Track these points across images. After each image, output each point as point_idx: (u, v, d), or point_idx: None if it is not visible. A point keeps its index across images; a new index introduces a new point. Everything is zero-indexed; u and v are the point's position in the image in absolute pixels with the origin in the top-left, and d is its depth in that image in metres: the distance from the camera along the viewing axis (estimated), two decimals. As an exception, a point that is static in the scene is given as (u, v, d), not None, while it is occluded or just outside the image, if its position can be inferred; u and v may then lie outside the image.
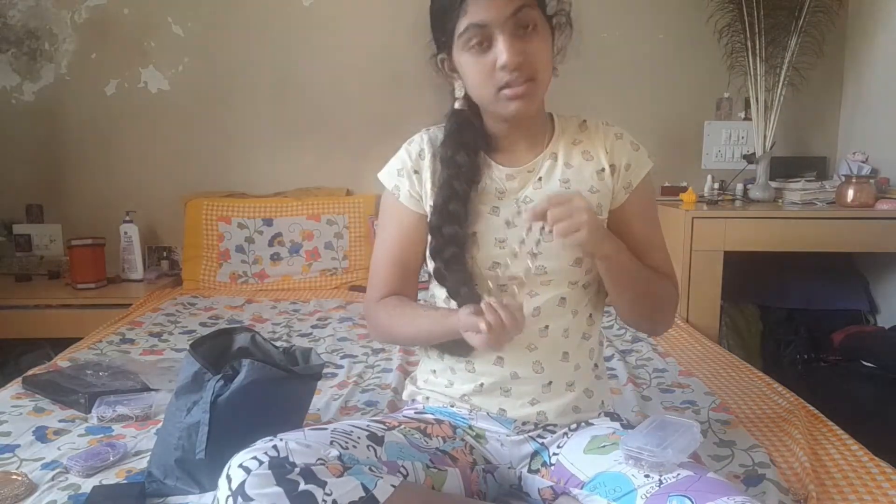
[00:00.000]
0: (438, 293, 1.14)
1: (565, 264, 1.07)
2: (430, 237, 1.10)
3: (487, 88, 1.01)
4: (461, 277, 1.06)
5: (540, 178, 1.10)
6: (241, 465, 0.82)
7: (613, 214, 1.12)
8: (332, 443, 0.89)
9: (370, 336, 1.23)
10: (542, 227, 0.97)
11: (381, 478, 0.85)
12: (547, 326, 1.08)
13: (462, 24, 0.99)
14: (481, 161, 1.11)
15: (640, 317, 1.13)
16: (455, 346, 1.08)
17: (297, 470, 0.81)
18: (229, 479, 0.81)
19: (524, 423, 1.11)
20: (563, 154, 1.12)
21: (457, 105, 1.10)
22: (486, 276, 1.08)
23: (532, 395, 1.09)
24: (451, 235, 1.06)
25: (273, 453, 0.83)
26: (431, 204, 1.10)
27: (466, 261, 1.07)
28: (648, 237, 1.14)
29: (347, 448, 0.90)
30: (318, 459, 0.84)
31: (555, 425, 1.11)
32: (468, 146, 1.10)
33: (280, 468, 0.81)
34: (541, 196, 1.06)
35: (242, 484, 0.79)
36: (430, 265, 1.10)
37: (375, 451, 0.94)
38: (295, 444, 0.86)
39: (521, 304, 0.98)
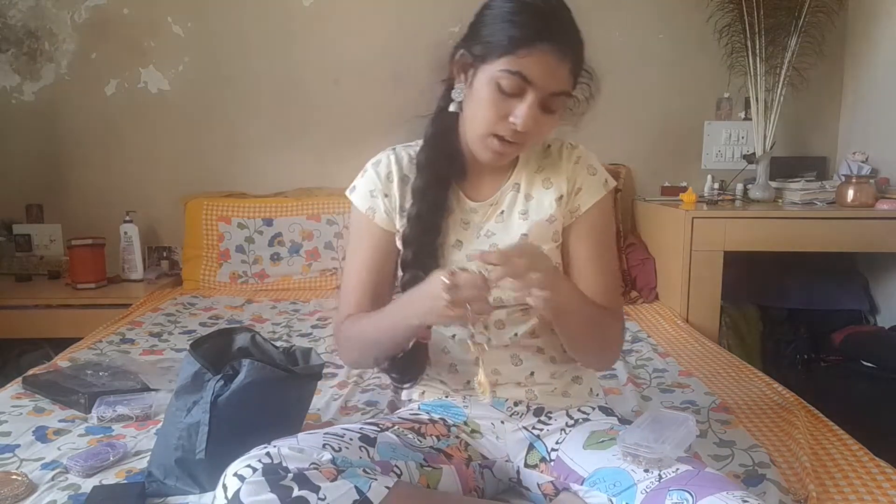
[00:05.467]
0: None
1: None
2: (400, 271, 1.10)
3: (483, 126, 1.01)
4: None
5: (502, 212, 1.11)
6: (235, 474, 0.82)
7: (562, 236, 1.12)
8: (324, 446, 0.90)
9: (341, 359, 1.22)
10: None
11: (376, 479, 0.85)
12: (516, 334, 1.11)
13: (513, 65, 0.96)
14: (451, 191, 1.11)
15: (583, 353, 1.11)
16: (406, 365, 1.11)
17: (291, 476, 0.82)
18: (225, 487, 0.82)
19: (516, 404, 1.12)
20: (525, 184, 1.12)
21: (452, 107, 1.07)
22: None
23: (518, 379, 1.12)
24: (425, 269, 1.05)
25: (267, 460, 0.84)
26: (401, 230, 1.11)
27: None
28: (592, 269, 1.11)
29: (340, 450, 0.90)
30: (312, 464, 0.85)
31: (549, 414, 1.12)
32: (442, 178, 1.09)
33: (274, 474, 0.82)
34: (502, 230, 1.10)
35: (238, 492, 0.80)
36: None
37: (368, 451, 0.94)
38: (288, 449, 0.86)
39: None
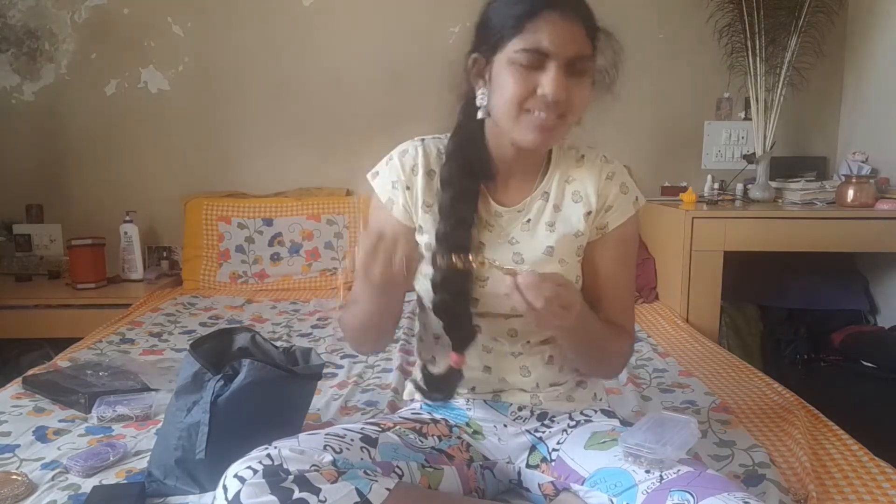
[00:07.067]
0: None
1: None
2: (430, 268, 1.06)
3: (515, 105, 0.97)
4: (467, 312, 1.05)
5: (529, 220, 1.09)
6: (236, 475, 0.82)
7: (585, 249, 1.11)
8: (325, 447, 0.89)
9: (348, 344, 1.21)
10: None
11: (377, 481, 0.85)
12: (528, 342, 1.10)
13: (524, 43, 0.95)
14: (479, 188, 1.09)
15: (586, 365, 1.13)
16: (435, 384, 1.09)
17: (291, 477, 0.82)
18: (225, 489, 0.82)
19: (520, 409, 1.12)
20: (554, 194, 1.09)
21: (480, 114, 1.04)
22: None
23: (524, 386, 1.11)
24: (459, 266, 1.03)
25: (267, 462, 0.84)
26: (424, 229, 1.08)
27: (472, 293, 1.05)
28: (611, 284, 1.10)
29: (341, 451, 0.90)
30: (313, 465, 0.84)
31: (552, 417, 1.12)
32: (472, 171, 1.07)
33: (274, 476, 0.81)
34: (527, 239, 1.07)
35: (238, 494, 0.80)
36: (430, 296, 1.07)
37: (369, 452, 0.94)
38: (288, 451, 0.86)
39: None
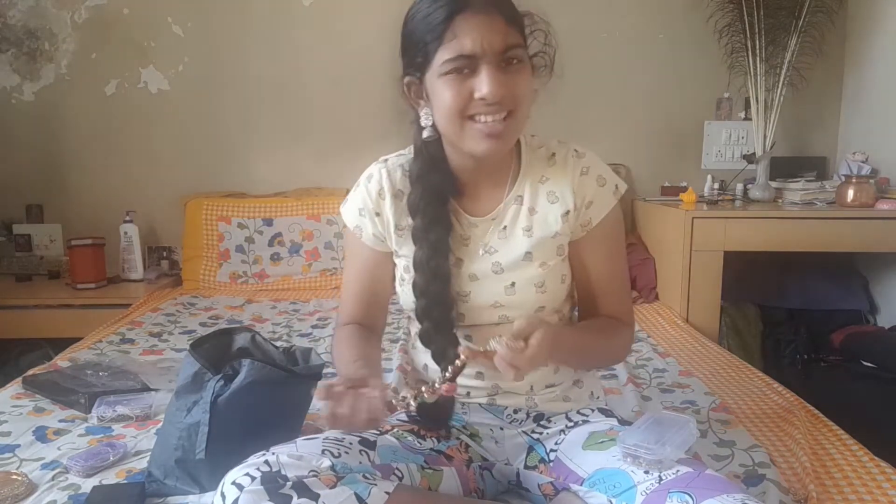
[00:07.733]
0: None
1: (529, 313, 1.07)
2: (412, 296, 1.06)
3: (456, 115, 0.95)
4: (450, 339, 1.04)
5: (505, 227, 1.07)
6: (234, 482, 0.82)
7: (570, 248, 1.09)
8: (323, 452, 0.89)
9: None
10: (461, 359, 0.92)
11: (375, 485, 0.84)
12: None
13: (448, 52, 0.93)
14: (450, 207, 1.07)
15: (587, 369, 1.16)
16: (429, 412, 1.06)
17: (290, 484, 0.81)
18: (223, 496, 0.81)
19: (516, 411, 1.11)
20: (528, 196, 1.07)
21: (425, 134, 1.02)
22: None
23: (518, 389, 1.11)
24: (437, 294, 1.03)
25: (265, 468, 0.83)
26: (400, 252, 1.09)
27: (454, 321, 1.05)
28: (605, 278, 1.10)
29: (339, 455, 0.89)
30: (311, 471, 0.84)
31: (549, 418, 1.12)
32: (438, 192, 1.05)
33: (272, 483, 0.81)
34: (504, 246, 1.06)
35: (236, 501, 0.79)
36: (415, 325, 1.08)
37: (368, 455, 0.93)
38: (286, 457, 0.86)
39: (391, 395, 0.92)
